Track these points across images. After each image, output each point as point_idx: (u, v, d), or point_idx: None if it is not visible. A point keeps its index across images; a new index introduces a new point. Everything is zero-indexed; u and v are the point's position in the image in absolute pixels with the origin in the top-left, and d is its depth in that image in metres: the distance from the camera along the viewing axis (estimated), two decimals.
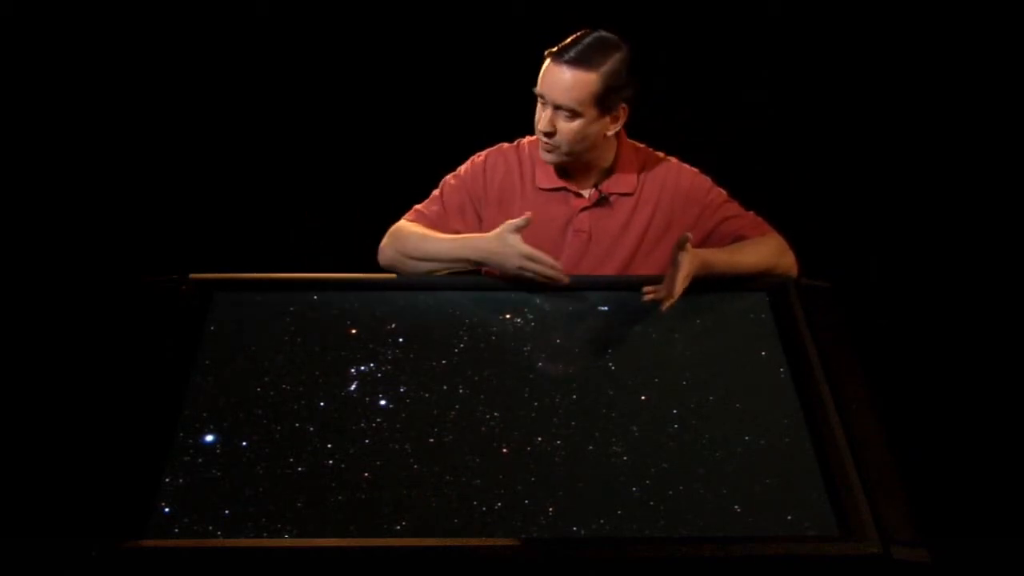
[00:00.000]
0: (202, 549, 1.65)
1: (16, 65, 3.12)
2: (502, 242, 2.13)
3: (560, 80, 2.14)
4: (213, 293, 2.11)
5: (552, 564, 1.68)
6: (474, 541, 1.68)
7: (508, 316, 2.10)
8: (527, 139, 2.37)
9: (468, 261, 2.22)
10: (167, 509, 1.72)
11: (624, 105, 2.22)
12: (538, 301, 2.13)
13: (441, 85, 3.28)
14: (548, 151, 2.22)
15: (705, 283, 2.14)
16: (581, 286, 2.19)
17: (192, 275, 2.15)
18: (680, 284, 2.04)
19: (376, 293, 2.16)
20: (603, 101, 2.17)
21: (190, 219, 3.21)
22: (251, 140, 3.28)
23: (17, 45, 3.12)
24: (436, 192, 2.37)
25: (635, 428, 1.88)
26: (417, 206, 2.36)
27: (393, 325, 2.07)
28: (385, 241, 2.30)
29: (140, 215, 3.20)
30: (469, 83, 3.21)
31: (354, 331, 2.06)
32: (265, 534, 1.68)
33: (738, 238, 2.26)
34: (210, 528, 1.69)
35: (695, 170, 2.34)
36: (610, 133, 2.24)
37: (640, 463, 1.81)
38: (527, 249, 2.11)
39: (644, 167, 2.32)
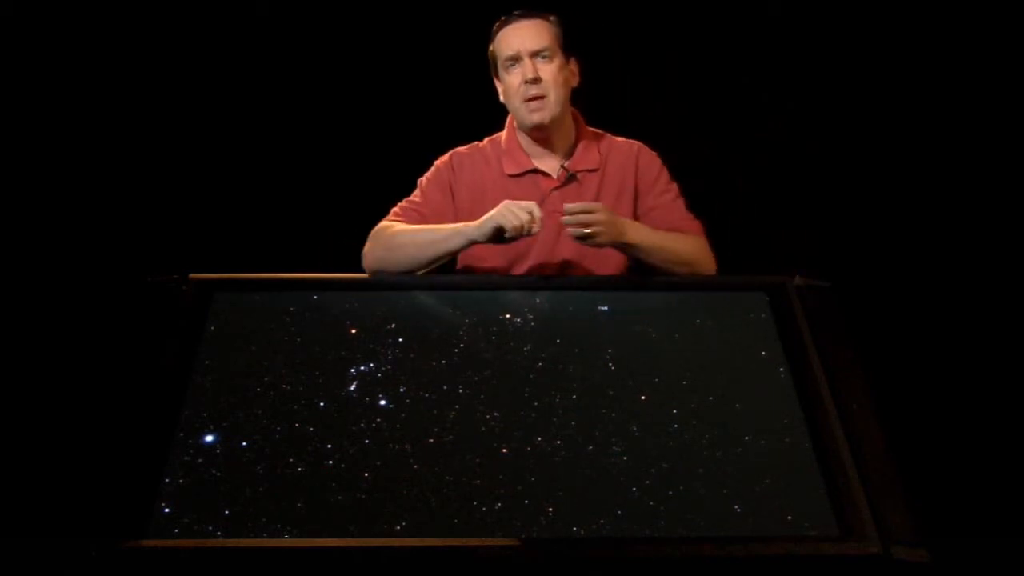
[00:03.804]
0: (202, 549, 1.66)
1: (16, 65, 3.12)
2: (505, 203, 2.16)
3: (527, 29, 2.31)
4: (213, 293, 2.11)
5: (552, 564, 1.68)
6: (474, 541, 1.68)
7: (508, 316, 2.10)
8: (480, 142, 2.44)
9: (464, 238, 2.20)
10: (167, 509, 1.72)
11: (575, 58, 2.36)
12: (538, 301, 2.14)
13: (441, 87, 3.28)
14: (537, 108, 2.30)
15: (705, 283, 2.14)
16: (581, 286, 2.19)
17: (192, 275, 2.15)
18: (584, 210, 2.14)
19: (376, 293, 2.16)
20: (563, 45, 2.33)
21: (190, 219, 3.21)
22: (251, 140, 3.28)
23: (17, 45, 3.12)
24: (415, 192, 2.41)
25: (635, 428, 1.88)
26: (395, 207, 2.38)
27: (393, 325, 2.07)
28: (368, 245, 2.28)
29: (140, 215, 3.20)
30: (470, 85, 3.22)
31: (354, 331, 2.06)
32: (265, 534, 1.68)
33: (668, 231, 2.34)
34: (210, 528, 1.69)
35: (655, 153, 2.45)
36: (574, 85, 2.36)
37: (640, 463, 1.81)
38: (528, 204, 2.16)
39: (603, 143, 2.42)
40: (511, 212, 2.13)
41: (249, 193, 3.27)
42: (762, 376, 1.99)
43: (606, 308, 2.13)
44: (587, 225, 2.13)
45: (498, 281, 2.25)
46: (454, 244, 2.21)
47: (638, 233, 2.23)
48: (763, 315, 2.11)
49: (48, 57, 3.15)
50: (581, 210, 2.14)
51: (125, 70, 3.20)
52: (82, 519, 1.68)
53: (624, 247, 2.22)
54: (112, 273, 2.96)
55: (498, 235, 2.15)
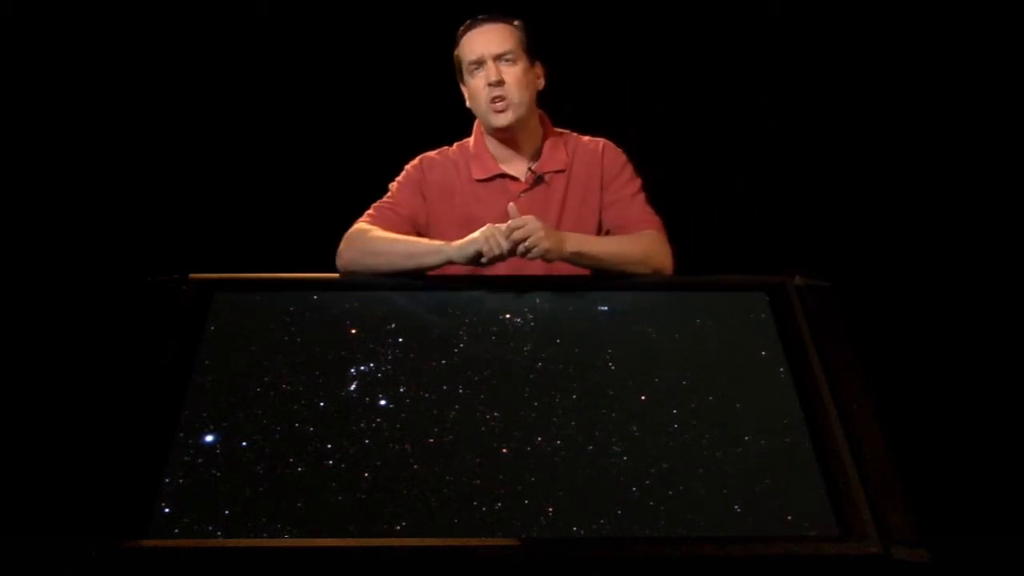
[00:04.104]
0: (202, 549, 1.65)
1: (16, 65, 3.12)
2: (490, 228, 2.15)
3: (490, 34, 2.32)
4: (213, 293, 2.11)
5: (552, 564, 1.68)
6: (474, 541, 1.68)
7: (508, 316, 2.10)
8: (449, 147, 2.45)
9: (443, 257, 2.19)
10: (167, 509, 1.72)
11: (540, 62, 2.37)
12: (538, 301, 2.13)
13: (441, 89, 3.28)
14: (501, 109, 2.31)
15: (705, 283, 2.14)
16: (581, 286, 2.19)
17: (192, 275, 2.15)
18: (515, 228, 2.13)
19: (376, 293, 2.16)
20: (528, 48, 2.34)
21: (190, 219, 3.21)
22: (251, 140, 3.28)
23: (17, 45, 3.12)
24: (387, 195, 2.41)
25: (635, 428, 1.87)
26: (370, 209, 2.37)
27: (393, 325, 2.06)
28: (343, 245, 2.28)
29: (140, 215, 3.20)
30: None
31: (354, 331, 2.06)
32: (265, 534, 1.68)
33: (619, 229, 2.34)
34: (210, 528, 1.69)
35: (620, 150, 2.44)
36: (540, 88, 2.37)
37: (640, 463, 1.81)
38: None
39: (570, 143, 2.42)
40: (494, 239, 2.13)
41: (249, 193, 3.27)
42: (762, 376, 1.98)
43: (606, 308, 2.13)
44: (524, 239, 2.13)
45: (498, 281, 2.25)
46: (432, 261, 2.19)
47: (579, 243, 2.21)
48: (763, 315, 2.11)
49: (48, 57, 3.15)
50: (511, 231, 2.13)
51: (125, 70, 3.20)
52: (82, 519, 1.67)
53: (570, 257, 2.20)
54: (112, 273, 2.96)
55: (477, 258, 2.15)
